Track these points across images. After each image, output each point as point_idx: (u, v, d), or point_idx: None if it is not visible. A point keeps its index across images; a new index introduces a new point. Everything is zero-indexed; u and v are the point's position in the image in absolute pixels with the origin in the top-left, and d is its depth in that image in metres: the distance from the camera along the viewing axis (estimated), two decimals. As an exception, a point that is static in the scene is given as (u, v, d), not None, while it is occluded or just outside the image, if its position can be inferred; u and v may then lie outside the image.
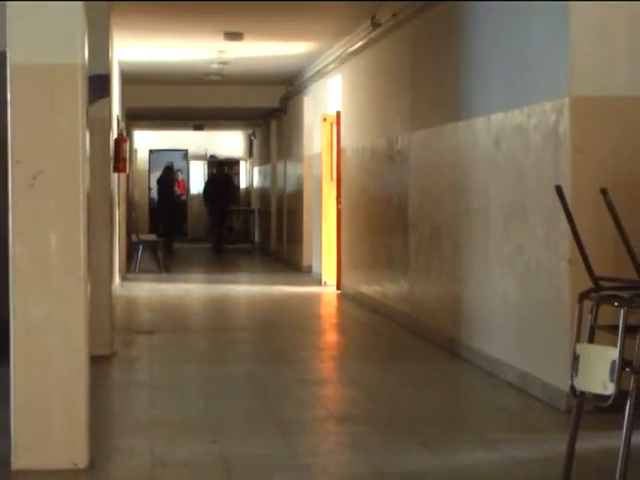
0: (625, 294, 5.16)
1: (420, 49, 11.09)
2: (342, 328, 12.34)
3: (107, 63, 9.73)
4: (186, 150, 32.50)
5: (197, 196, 32.07)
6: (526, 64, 7.95)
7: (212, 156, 32.34)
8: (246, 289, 16.91)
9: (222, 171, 29.83)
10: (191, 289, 16.55)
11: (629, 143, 6.88)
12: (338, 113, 15.79)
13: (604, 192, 5.20)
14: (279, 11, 12.31)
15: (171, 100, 21.42)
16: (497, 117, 8.54)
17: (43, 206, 5.59)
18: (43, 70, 5.60)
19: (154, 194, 31.77)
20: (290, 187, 21.48)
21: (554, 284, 7.34)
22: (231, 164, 32.25)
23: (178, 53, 16.10)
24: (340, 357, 10.16)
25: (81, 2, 5.61)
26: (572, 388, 5.25)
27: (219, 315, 13.55)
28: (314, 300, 14.92)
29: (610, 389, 4.95)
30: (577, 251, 5.55)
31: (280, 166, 23.24)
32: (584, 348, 5.22)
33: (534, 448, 6.19)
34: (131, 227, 20.69)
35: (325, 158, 17.28)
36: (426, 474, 5.68)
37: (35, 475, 5.51)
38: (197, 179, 32.36)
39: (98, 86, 9.10)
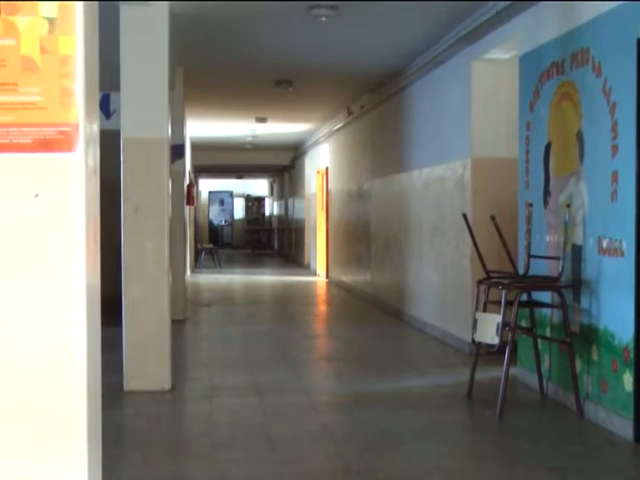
0: (505, 281, 5.19)
1: (378, 128, 11.11)
2: (329, 303, 12.32)
3: (182, 137, 9.74)
4: (232, 191, 32.42)
5: (237, 220, 32.04)
6: (444, 137, 7.98)
7: (248, 195, 32.29)
8: (268, 278, 16.89)
9: (260, 215, 29.70)
10: (235, 278, 16.52)
11: (509, 187, 6.90)
12: (327, 168, 15.81)
13: (493, 218, 5.24)
14: (290, 104, 12.31)
15: (222, 160, 21.41)
16: (426, 170, 8.57)
17: (142, 226, 5.61)
18: (143, 142, 5.61)
19: (211, 218, 31.72)
20: (296, 214, 21.47)
21: (461, 274, 7.37)
22: (259, 199, 32.23)
23: (226, 130, 16.09)
24: (328, 320, 10.15)
25: (167, 98, 5.64)
26: (473, 340, 5.29)
27: (251, 294, 13.53)
28: (311, 285, 14.88)
29: (496, 340, 4.99)
30: (476, 254, 5.59)
31: (290, 201, 23.22)
32: (480, 315, 5.25)
33: (450, 376, 6.19)
34: (197, 239, 20.66)
35: (318, 196, 17.28)
36: (382, 393, 5.67)
37: (138, 394, 5.51)
38: (238, 209, 32.34)
39: (177, 151, 9.12)
